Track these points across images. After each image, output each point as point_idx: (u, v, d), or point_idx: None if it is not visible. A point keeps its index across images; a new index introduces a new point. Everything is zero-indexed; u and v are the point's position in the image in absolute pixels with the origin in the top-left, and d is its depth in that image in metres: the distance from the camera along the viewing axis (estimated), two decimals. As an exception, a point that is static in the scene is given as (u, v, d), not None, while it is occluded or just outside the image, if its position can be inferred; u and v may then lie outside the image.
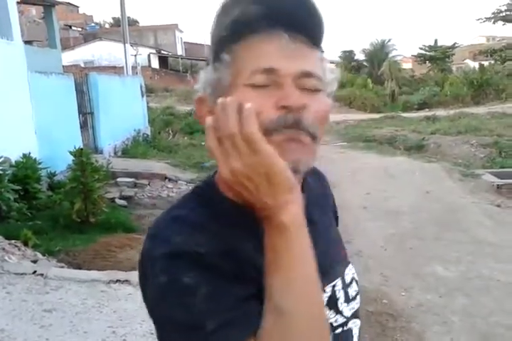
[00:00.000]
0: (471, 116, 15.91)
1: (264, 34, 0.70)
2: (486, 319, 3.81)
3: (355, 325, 0.88)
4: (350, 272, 0.90)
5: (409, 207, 6.96)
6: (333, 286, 0.84)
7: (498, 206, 7.10)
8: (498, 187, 7.88)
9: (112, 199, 6.65)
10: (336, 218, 1.05)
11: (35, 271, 3.80)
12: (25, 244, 4.56)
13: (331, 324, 0.81)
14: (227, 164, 0.65)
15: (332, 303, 0.83)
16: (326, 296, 0.81)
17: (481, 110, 17.45)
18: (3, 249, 4.22)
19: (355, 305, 0.88)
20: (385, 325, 3.75)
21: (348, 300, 0.86)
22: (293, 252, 0.66)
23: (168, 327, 0.70)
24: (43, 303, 3.40)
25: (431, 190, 7.81)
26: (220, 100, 0.67)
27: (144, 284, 0.74)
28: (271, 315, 0.65)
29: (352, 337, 0.87)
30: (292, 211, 0.66)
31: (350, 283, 0.89)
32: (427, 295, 4.23)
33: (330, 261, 0.85)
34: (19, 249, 4.31)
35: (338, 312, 0.84)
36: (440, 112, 18.26)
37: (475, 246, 5.37)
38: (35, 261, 4.17)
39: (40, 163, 6.20)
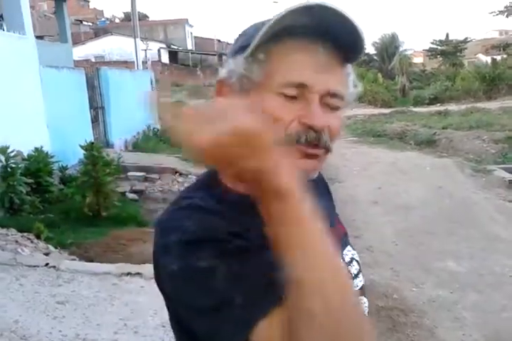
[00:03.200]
0: (483, 111, 15.74)
1: (303, 42, 0.72)
2: (499, 315, 3.79)
3: (362, 302, 0.89)
4: (349, 253, 0.92)
5: (420, 202, 6.92)
6: None
7: (511, 202, 7.04)
8: (510, 182, 7.82)
9: (123, 193, 6.68)
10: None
11: (47, 264, 3.84)
12: (38, 236, 4.60)
13: None
14: (196, 137, 0.57)
15: None
16: None
17: (493, 105, 17.26)
18: (16, 241, 4.26)
19: (358, 282, 0.90)
20: (395, 320, 3.74)
21: (351, 277, 0.88)
22: (301, 220, 0.60)
23: (195, 314, 0.69)
24: (55, 295, 3.43)
25: (442, 186, 7.76)
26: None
27: (161, 275, 0.74)
28: (292, 287, 0.61)
29: None
30: (286, 174, 0.59)
31: (350, 262, 0.91)
32: (439, 291, 4.21)
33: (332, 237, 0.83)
34: (32, 242, 4.35)
35: None
36: (452, 107, 18.11)
37: (487, 242, 5.33)
38: (47, 254, 4.21)
39: (52, 157, 6.24)
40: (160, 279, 0.75)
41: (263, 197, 0.61)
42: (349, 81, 0.79)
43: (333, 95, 0.74)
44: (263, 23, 0.73)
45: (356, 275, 0.91)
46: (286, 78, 0.72)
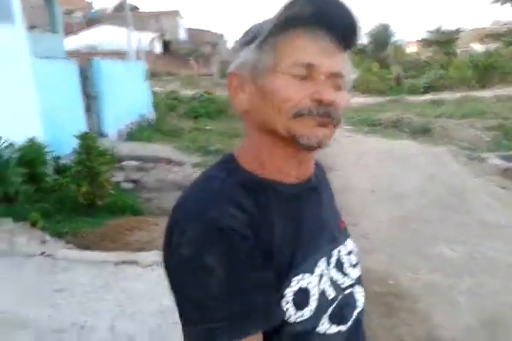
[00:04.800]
0: (477, 99, 15.77)
1: (310, 30, 0.79)
2: (493, 299, 3.82)
3: (358, 291, 0.95)
4: (350, 244, 0.98)
5: (415, 189, 6.94)
6: (339, 251, 0.93)
7: (504, 188, 7.08)
8: (504, 170, 7.85)
9: (118, 183, 6.67)
10: None
11: (43, 252, 3.83)
12: (33, 225, 4.59)
13: (340, 286, 0.90)
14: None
15: (339, 266, 0.91)
16: (335, 259, 0.90)
17: (486, 93, 17.30)
18: (12, 231, 4.25)
19: (357, 272, 0.96)
20: (391, 305, 3.77)
21: (351, 265, 0.95)
22: None
23: (182, 299, 0.76)
24: (52, 283, 3.43)
25: (437, 173, 7.79)
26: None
27: (168, 252, 0.78)
28: None
29: (355, 301, 0.94)
30: None
31: (351, 252, 0.97)
32: (434, 276, 4.24)
33: (335, 227, 0.96)
34: (27, 231, 4.34)
35: (345, 274, 0.92)
36: (446, 96, 18.12)
37: (481, 228, 5.37)
38: (43, 243, 4.20)
39: (45, 147, 6.20)
40: (166, 256, 0.79)
41: None
42: (348, 66, 0.86)
43: (338, 75, 0.82)
44: (269, 18, 0.80)
45: (355, 265, 0.96)
46: (294, 59, 0.79)
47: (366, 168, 8.23)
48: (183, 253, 0.73)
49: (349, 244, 0.98)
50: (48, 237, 4.37)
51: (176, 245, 0.74)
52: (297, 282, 0.80)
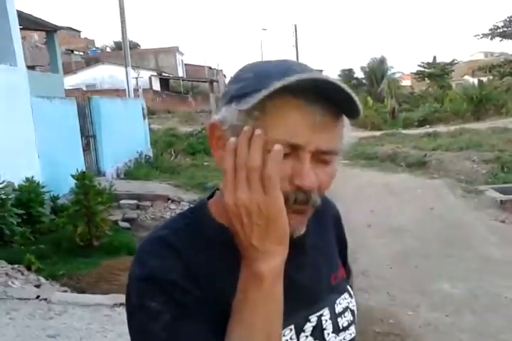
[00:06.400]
0: (472, 131, 15.91)
1: (299, 101, 0.70)
2: (495, 337, 3.76)
3: None
4: (344, 301, 0.88)
5: (413, 224, 6.92)
6: (320, 316, 0.83)
7: (503, 222, 7.06)
8: (502, 202, 7.84)
9: (115, 222, 6.64)
10: (344, 249, 1.05)
11: (38, 296, 3.78)
12: (29, 268, 4.54)
13: None
14: (234, 192, 0.68)
15: (317, 334, 0.82)
16: (310, 326, 0.81)
17: (481, 125, 17.47)
18: (7, 273, 4.20)
19: (347, 335, 0.86)
20: (392, 345, 3.70)
21: (337, 330, 0.84)
22: (258, 310, 0.68)
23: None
24: (46, 329, 3.37)
25: (434, 207, 7.78)
26: (245, 129, 0.69)
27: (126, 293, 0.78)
28: None
29: None
30: (274, 263, 0.69)
31: (343, 312, 0.86)
32: (435, 314, 4.18)
33: (319, 289, 0.85)
34: (22, 274, 4.29)
35: None
36: (441, 128, 18.31)
37: (481, 263, 5.32)
38: (38, 286, 4.14)
39: (43, 187, 6.21)
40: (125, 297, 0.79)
41: (243, 265, 0.70)
42: (344, 132, 0.76)
43: (326, 153, 0.73)
44: (262, 78, 0.71)
45: (346, 328, 0.86)
46: (279, 136, 0.69)
47: (364, 203, 8.22)
48: (131, 301, 0.74)
49: (343, 302, 0.87)
50: (43, 280, 4.31)
51: (129, 295, 0.75)
52: None
